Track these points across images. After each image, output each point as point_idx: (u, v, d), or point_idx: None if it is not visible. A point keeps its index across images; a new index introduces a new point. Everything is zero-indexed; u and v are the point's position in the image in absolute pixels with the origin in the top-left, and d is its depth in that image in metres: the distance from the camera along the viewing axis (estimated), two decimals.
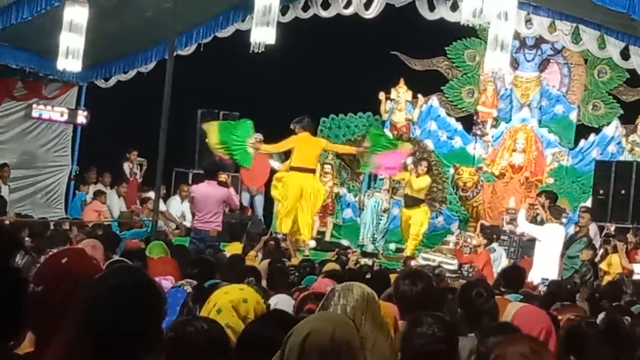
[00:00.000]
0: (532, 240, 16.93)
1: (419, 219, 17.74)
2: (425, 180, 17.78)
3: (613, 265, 15.10)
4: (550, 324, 5.20)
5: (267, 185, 18.24)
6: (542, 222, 15.59)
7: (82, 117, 20.58)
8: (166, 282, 5.88)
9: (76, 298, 2.92)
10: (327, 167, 19.48)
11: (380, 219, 18.57)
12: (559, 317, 6.49)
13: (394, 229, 19.36)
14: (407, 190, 17.89)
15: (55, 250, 3.71)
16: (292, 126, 15.93)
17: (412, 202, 17.80)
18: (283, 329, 3.02)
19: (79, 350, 2.75)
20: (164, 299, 2.93)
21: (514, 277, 9.50)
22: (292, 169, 15.90)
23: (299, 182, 15.65)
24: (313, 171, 16.26)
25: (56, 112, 20.17)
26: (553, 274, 13.89)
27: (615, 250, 15.37)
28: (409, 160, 18.09)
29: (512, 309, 5.13)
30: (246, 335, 3.50)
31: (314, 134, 17.37)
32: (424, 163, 18.12)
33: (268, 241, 13.49)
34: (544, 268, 14.16)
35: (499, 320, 5.28)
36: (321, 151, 16.82)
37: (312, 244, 17.04)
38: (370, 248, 18.14)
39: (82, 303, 2.79)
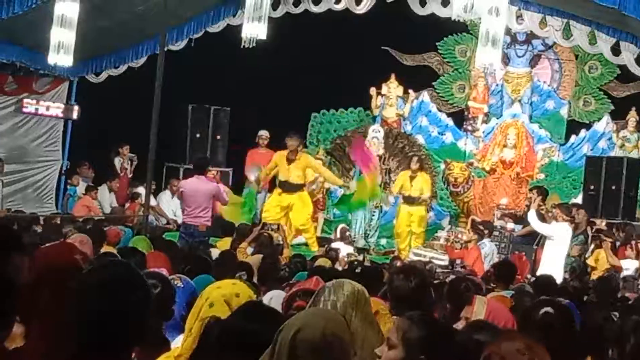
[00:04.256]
0: (525, 237, 17.01)
1: (422, 217, 17.90)
2: (426, 179, 18.04)
3: (600, 261, 15.11)
4: (512, 317, 5.25)
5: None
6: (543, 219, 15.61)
7: (72, 112, 20.53)
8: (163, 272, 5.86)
9: (61, 291, 2.94)
10: (318, 163, 19.48)
11: (373, 215, 18.57)
12: None
13: (385, 225, 19.37)
14: (407, 192, 17.97)
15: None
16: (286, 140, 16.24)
17: (413, 201, 17.88)
18: (260, 322, 3.04)
19: (67, 342, 2.75)
20: (152, 293, 2.95)
21: (505, 273, 9.51)
22: (279, 182, 16.31)
23: (284, 203, 16.17)
24: (301, 186, 16.45)
25: (47, 107, 20.12)
26: (560, 273, 13.86)
27: (601, 245, 15.42)
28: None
29: (481, 303, 5.14)
30: (228, 330, 3.47)
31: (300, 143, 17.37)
32: (415, 159, 18.26)
33: (261, 233, 13.48)
34: (553, 266, 14.07)
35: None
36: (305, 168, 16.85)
37: (302, 239, 17.07)
38: (361, 243, 18.14)
39: (71, 296, 2.80)
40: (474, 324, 4.54)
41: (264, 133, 18.70)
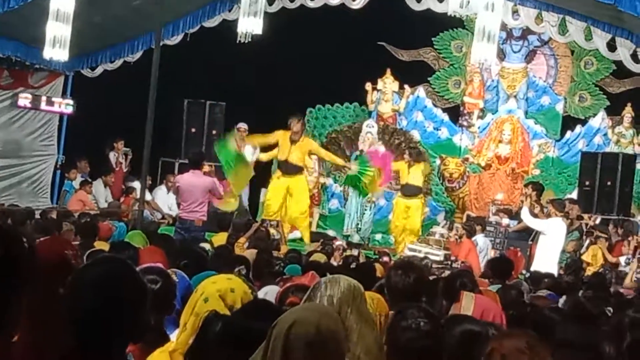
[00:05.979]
0: (520, 232, 17.02)
1: (418, 212, 17.84)
2: (420, 167, 17.97)
3: (597, 257, 15.14)
4: (500, 311, 5.28)
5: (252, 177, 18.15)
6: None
7: (68, 107, 20.49)
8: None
9: (51, 286, 2.94)
10: (318, 145, 19.51)
11: (365, 210, 18.59)
12: None
13: (380, 219, 19.39)
14: (404, 179, 17.92)
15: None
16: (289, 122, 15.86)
17: (411, 191, 17.78)
18: (264, 319, 3.03)
19: (60, 338, 2.75)
20: (148, 289, 2.94)
21: (501, 269, 9.52)
22: (279, 163, 16.06)
23: (284, 187, 15.86)
24: (300, 169, 16.16)
25: (42, 101, 20.08)
26: (554, 268, 13.88)
27: (596, 242, 15.44)
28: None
29: (469, 299, 5.16)
30: (232, 326, 3.48)
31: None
32: (407, 152, 18.29)
33: (259, 228, 13.48)
34: (547, 261, 14.09)
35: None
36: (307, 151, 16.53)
37: (298, 234, 17.06)
38: (356, 238, 18.15)
39: (65, 292, 2.80)
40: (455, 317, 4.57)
41: (242, 125, 18.63)
